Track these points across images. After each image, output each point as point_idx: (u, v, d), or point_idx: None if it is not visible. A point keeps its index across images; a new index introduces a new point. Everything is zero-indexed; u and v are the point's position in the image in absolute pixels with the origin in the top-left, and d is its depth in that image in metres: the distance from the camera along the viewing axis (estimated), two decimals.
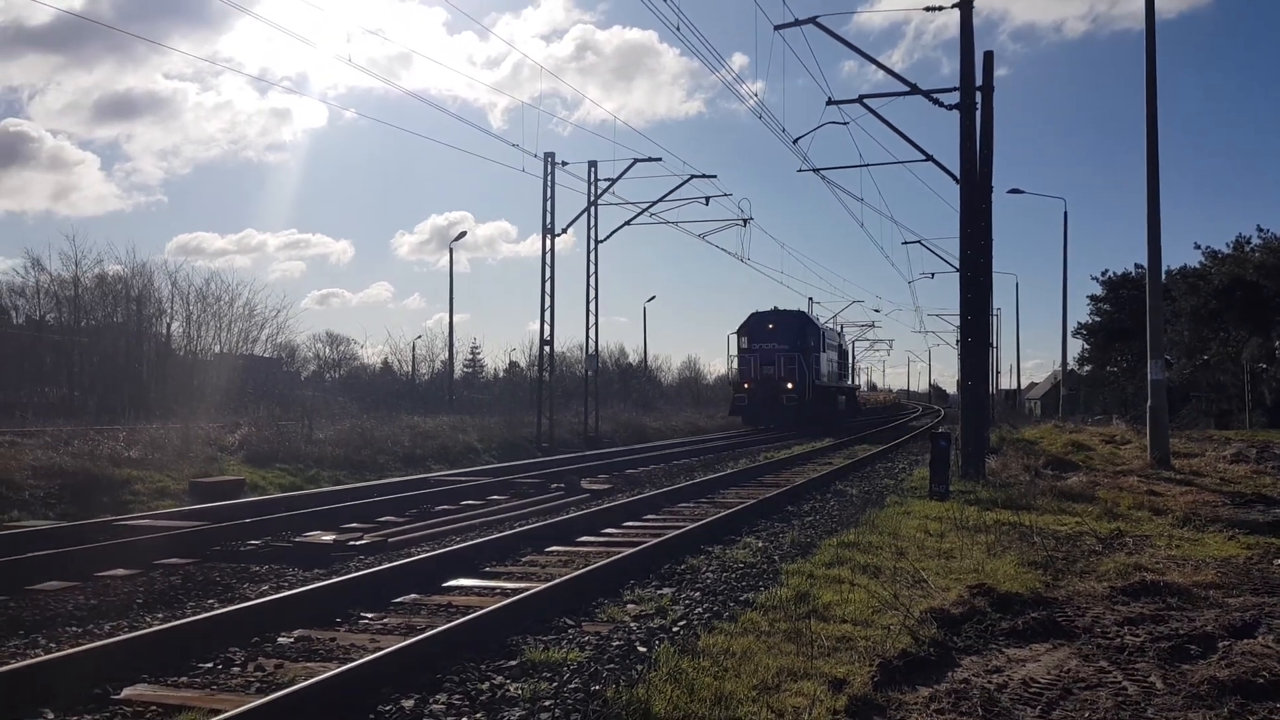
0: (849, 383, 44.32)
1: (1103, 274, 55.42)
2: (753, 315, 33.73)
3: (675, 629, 5.73)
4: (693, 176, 25.66)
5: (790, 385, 31.47)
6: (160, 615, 6.26)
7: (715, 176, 29.61)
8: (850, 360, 47.07)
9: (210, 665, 5.01)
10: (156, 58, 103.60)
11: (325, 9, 58.31)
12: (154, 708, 4.37)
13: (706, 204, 26.23)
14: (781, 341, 32.49)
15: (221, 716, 3.83)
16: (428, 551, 8.46)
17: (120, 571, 7.61)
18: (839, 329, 44.39)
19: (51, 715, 4.25)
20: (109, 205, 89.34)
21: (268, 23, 62.97)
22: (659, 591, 6.78)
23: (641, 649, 5.28)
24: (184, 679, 4.81)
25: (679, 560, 7.92)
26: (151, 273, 45.96)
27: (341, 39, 76.00)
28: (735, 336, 34.27)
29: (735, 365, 34.25)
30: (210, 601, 6.71)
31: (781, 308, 33.93)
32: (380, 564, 7.75)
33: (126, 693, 4.53)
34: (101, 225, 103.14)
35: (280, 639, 5.55)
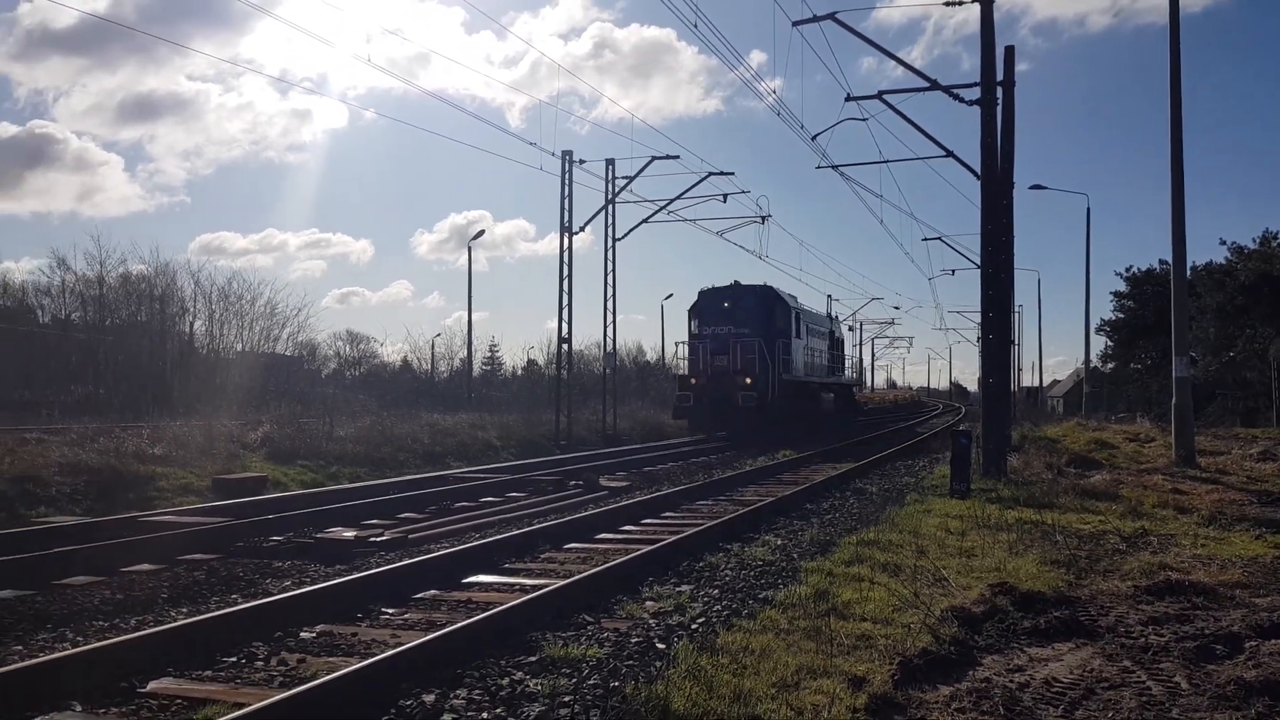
0: (844, 377, 35.56)
1: (1126, 270, 54.81)
2: (704, 292, 26.34)
3: (694, 626, 5.73)
4: (710, 174, 25.66)
5: (748, 380, 24.23)
6: (185, 610, 6.34)
7: (733, 174, 29.54)
8: (846, 352, 37.80)
9: (234, 660, 5.07)
10: (179, 59, 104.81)
11: (345, 9, 58.63)
12: (179, 701, 4.42)
13: (724, 201, 26.16)
14: (740, 325, 25.16)
15: (245, 710, 3.87)
16: (447, 548, 8.50)
17: (145, 567, 7.70)
18: (831, 314, 34.75)
19: (79, 708, 4.31)
20: (133, 206, 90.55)
21: (288, 23, 63.50)
22: (678, 589, 6.78)
23: (660, 646, 5.29)
24: (208, 673, 4.86)
25: (698, 558, 7.92)
26: (175, 272, 46.47)
27: (361, 39, 76.37)
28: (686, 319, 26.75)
29: (683, 355, 26.75)
30: (234, 597, 6.78)
31: (745, 283, 26.22)
32: (401, 560, 7.79)
33: (152, 686, 4.59)
34: (125, 225, 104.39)
35: (303, 634, 5.60)
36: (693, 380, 25.45)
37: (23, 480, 11.69)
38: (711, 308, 25.98)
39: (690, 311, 26.64)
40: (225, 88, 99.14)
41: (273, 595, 6.53)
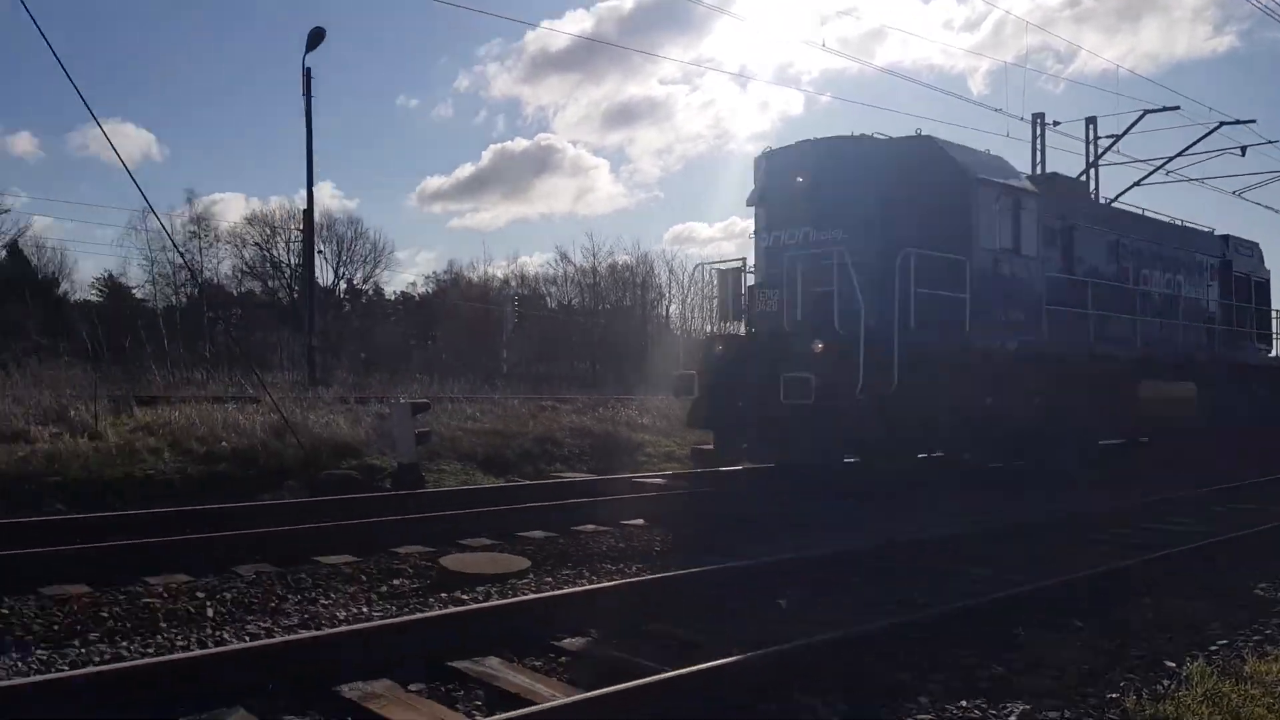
0: (1257, 351, 17.77)
1: None
2: (764, 157, 11.98)
3: (1212, 648, 4.92)
4: (1223, 124, 21.67)
5: (818, 347, 9.77)
6: (678, 560, 7.05)
7: (1254, 121, 24.27)
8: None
9: (715, 612, 5.50)
10: (650, 66, 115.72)
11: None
12: (674, 642, 4.93)
13: (1243, 154, 21.92)
14: (826, 225, 10.80)
15: (731, 659, 4.20)
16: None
17: (639, 522, 8.76)
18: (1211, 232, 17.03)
19: (596, 634, 5.03)
20: (617, 203, 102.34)
21: (743, 20, 66.98)
22: (1189, 604, 5.86)
23: (1169, 663, 4.63)
24: (700, 623, 5.32)
25: None
26: (652, 261, 52.12)
27: (815, 24, 77.65)
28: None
29: (709, 289, 13.44)
30: (712, 557, 7.37)
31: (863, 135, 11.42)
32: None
33: (651, 627, 5.18)
34: (611, 221, 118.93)
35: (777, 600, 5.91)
36: (718, 347, 11.75)
37: (543, 441, 14.05)
38: (778, 189, 11.61)
39: (752, 201, 12.12)
40: (691, 88, 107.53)
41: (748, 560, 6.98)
